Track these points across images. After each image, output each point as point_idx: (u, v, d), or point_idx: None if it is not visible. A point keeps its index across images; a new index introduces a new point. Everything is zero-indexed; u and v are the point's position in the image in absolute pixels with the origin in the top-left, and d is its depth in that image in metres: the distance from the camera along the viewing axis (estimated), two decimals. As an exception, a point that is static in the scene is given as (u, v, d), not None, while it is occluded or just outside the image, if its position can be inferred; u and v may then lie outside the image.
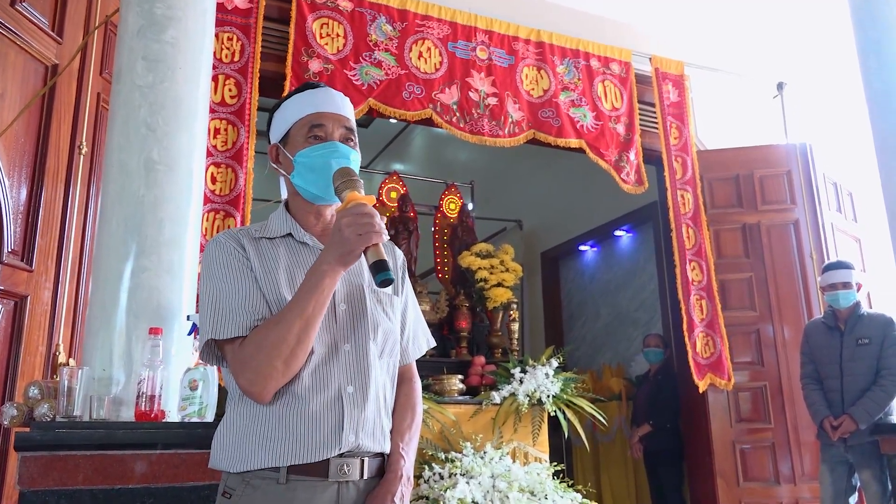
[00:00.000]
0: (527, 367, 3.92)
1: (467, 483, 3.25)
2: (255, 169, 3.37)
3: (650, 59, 4.70)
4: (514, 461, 3.59)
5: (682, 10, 4.89)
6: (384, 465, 1.34)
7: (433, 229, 5.02)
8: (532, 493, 3.32)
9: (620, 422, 5.68)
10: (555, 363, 3.96)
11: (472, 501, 3.19)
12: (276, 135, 1.43)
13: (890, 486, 3.54)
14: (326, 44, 3.73)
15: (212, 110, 3.14)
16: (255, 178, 3.39)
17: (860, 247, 4.99)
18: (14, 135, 2.86)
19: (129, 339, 2.36)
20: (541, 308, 7.11)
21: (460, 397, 3.89)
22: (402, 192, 4.86)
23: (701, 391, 4.34)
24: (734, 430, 4.43)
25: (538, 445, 3.81)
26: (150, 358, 2.15)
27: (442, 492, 3.20)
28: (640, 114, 4.55)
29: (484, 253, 4.57)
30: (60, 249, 3.03)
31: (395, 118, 3.94)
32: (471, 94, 4.05)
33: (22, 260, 2.87)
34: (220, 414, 2.23)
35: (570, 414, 3.82)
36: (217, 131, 3.33)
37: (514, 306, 4.57)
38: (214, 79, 3.28)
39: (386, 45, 3.89)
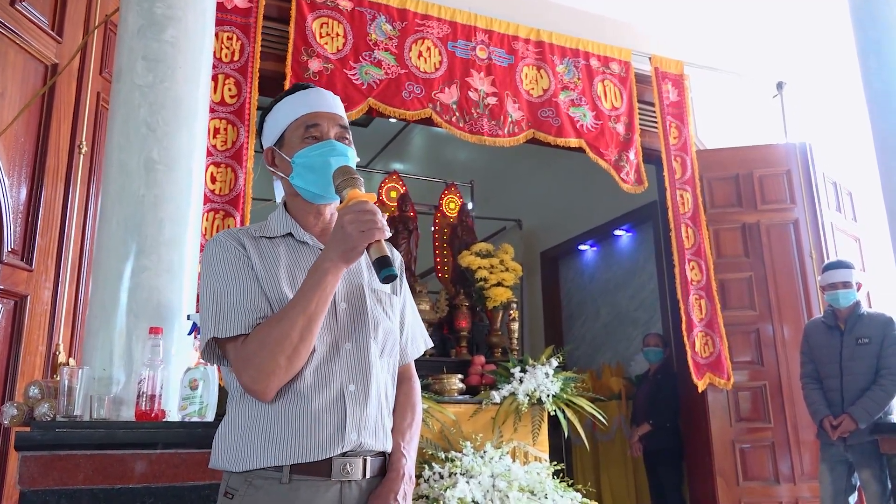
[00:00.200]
0: (526, 367, 3.92)
1: (467, 482, 3.25)
2: (255, 168, 3.37)
3: (650, 58, 4.70)
4: (513, 461, 3.60)
5: (682, 9, 4.89)
6: (386, 465, 1.34)
7: (433, 229, 5.02)
8: (532, 493, 3.32)
9: (620, 421, 5.68)
10: (554, 363, 3.96)
11: (472, 501, 3.20)
12: (269, 138, 1.43)
13: (889, 486, 3.55)
14: (326, 43, 3.73)
15: (211, 110, 3.14)
16: (254, 177, 3.39)
17: (860, 246, 4.99)
18: (14, 134, 2.86)
19: (129, 338, 2.36)
20: (540, 308, 7.12)
21: (460, 397, 3.89)
22: (401, 191, 4.86)
23: (700, 391, 4.35)
24: (734, 429, 4.44)
25: (538, 445, 3.81)
26: (150, 357, 2.15)
27: (442, 491, 3.20)
28: (639, 113, 4.56)
29: (484, 252, 4.57)
30: (60, 249, 3.03)
31: (394, 118, 3.94)
32: (470, 93, 4.05)
33: (22, 259, 2.87)
34: (220, 414, 2.24)
35: (569, 413, 3.83)
36: (217, 131, 3.33)
37: (514, 306, 4.58)
38: (214, 78, 3.27)
39: (386, 44, 3.89)
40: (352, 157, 1.38)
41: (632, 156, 4.44)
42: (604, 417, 4.05)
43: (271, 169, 1.44)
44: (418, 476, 3.35)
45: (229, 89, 3.42)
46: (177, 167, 2.56)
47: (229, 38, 3.47)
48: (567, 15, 4.60)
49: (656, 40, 4.89)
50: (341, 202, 1.25)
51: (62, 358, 2.85)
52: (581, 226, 6.73)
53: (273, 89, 3.59)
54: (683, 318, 4.36)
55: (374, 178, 6.53)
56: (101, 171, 2.71)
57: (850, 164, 5.13)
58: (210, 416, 2.24)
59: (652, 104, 4.66)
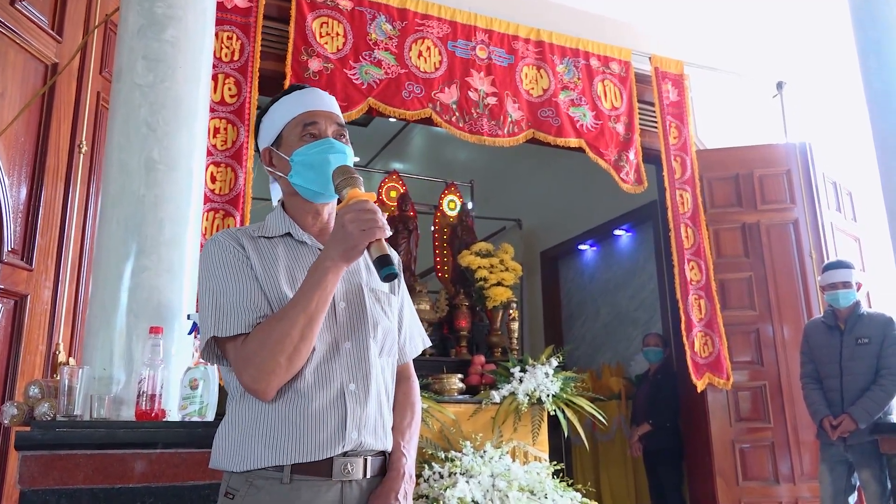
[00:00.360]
0: (526, 367, 3.92)
1: (467, 482, 3.25)
2: (255, 168, 3.37)
3: (650, 58, 4.70)
4: (513, 460, 3.60)
5: (682, 9, 4.89)
6: (386, 464, 1.34)
7: (433, 228, 5.02)
8: (532, 493, 3.33)
9: (620, 421, 5.69)
10: (554, 362, 3.96)
11: (472, 500, 3.20)
12: (266, 138, 1.43)
13: (889, 486, 3.55)
14: (326, 43, 3.73)
15: (211, 109, 3.14)
16: (254, 177, 3.39)
17: (860, 246, 4.99)
18: (14, 134, 2.86)
19: (129, 338, 2.36)
20: (540, 307, 7.12)
21: (460, 396, 3.89)
22: (401, 191, 4.87)
23: (699, 391, 4.35)
24: (734, 429, 4.44)
25: (538, 445, 3.82)
26: (150, 357, 2.15)
27: (442, 491, 3.20)
28: (639, 113, 4.56)
29: (483, 252, 4.57)
30: (60, 249, 3.03)
31: (394, 117, 3.94)
32: (470, 93, 4.05)
33: (22, 259, 2.87)
34: (220, 413, 2.24)
35: (569, 413, 3.83)
36: (217, 130, 3.33)
37: (514, 305, 4.58)
38: (214, 78, 3.27)
39: (386, 44, 3.89)
40: (349, 156, 1.38)
41: (631, 156, 4.44)
42: (603, 417, 4.05)
43: (269, 169, 1.43)
44: (418, 476, 3.35)
45: (229, 89, 3.42)
46: (177, 167, 2.56)
47: (229, 38, 3.47)
48: (567, 15, 4.60)
49: (656, 40, 4.89)
50: (341, 202, 1.25)
51: (62, 357, 2.85)
52: (581, 226, 6.73)
53: (273, 89, 3.59)
54: (683, 318, 4.36)
55: (373, 178, 6.53)
56: (101, 170, 2.71)
57: (850, 164, 5.13)
58: (210, 416, 2.24)
59: (652, 104, 4.66)
